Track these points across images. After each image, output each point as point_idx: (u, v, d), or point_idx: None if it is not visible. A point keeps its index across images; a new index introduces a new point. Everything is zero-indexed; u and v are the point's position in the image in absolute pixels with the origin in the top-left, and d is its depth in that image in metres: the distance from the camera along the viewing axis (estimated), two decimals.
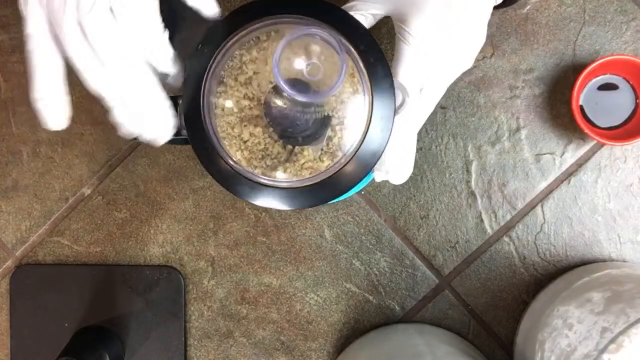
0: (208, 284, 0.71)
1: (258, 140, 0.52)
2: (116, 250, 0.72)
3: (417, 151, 0.69)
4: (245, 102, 0.52)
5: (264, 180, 0.50)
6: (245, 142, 0.52)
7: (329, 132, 0.52)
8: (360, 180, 0.51)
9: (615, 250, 0.68)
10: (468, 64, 0.53)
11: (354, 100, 0.52)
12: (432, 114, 0.69)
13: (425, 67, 0.50)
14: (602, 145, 0.68)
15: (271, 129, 0.52)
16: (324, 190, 0.51)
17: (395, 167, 0.53)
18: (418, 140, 0.69)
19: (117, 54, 0.43)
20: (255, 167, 0.52)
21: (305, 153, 0.52)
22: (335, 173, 0.51)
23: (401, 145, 0.53)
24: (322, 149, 0.52)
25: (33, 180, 0.72)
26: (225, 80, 0.53)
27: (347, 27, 0.52)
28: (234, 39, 0.51)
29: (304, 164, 0.52)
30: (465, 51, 0.52)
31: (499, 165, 0.69)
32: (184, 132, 0.51)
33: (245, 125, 0.52)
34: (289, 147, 0.53)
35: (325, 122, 0.51)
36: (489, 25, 0.69)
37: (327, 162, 0.52)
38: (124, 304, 0.71)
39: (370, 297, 0.70)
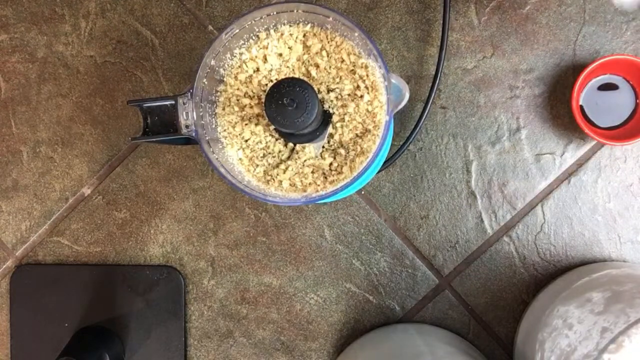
0: (208, 284, 0.71)
1: (259, 138, 0.52)
2: (116, 250, 0.72)
3: (417, 151, 0.69)
4: (246, 101, 0.52)
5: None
6: (246, 141, 0.52)
7: (330, 129, 0.52)
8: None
9: (615, 250, 0.68)
10: None
11: (355, 96, 0.52)
12: (432, 114, 0.69)
13: None
14: (602, 145, 0.68)
15: (272, 127, 0.52)
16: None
17: None
18: (418, 140, 0.69)
19: None
20: (257, 165, 0.52)
21: (307, 151, 0.52)
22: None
23: None
24: (323, 147, 0.52)
25: (33, 180, 0.72)
26: (225, 79, 0.53)
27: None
28: (232, 35, 0.51)
29: (305, 161, 0.52)
30: None
31: (499, 165, 0.69)
32: (185, 131, 0.50)
33: (246, 124, 0.52)
34: (290, 145, 0.53)
35: (326, 119, 0.51)
36: (489, 25, 0.69)
37: (328, 160, 0.52)
38: (124, 304, 0.71)
39: (370, 297, 0.70)
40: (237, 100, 0.52)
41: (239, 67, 0.52)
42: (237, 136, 0.52)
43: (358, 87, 0.51)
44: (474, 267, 0.69)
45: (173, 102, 0.51)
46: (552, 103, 0.68)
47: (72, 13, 0.71)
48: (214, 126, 0.52)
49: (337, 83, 0.51)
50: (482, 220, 0.69)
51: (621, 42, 0.67)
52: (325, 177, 0.52)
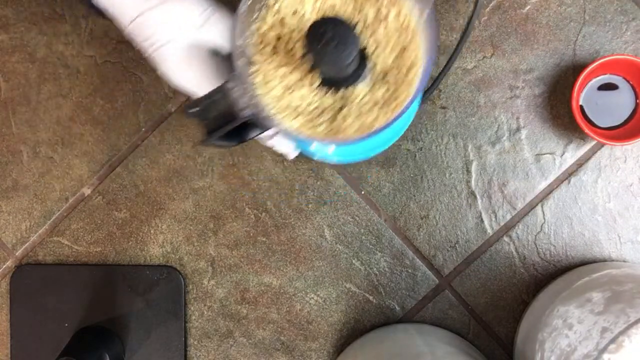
0: (208, 284, 0.71)
1: (308, 101, 0.51)
2: (116, 250, 0.72)
3: (417, 151, 0.69)
4: (282, 70, 0.51)
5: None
6: (296, 108, 0.52)
7: (370, 63, 0.51)
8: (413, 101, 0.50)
9: (615, 250, 0.68)
10: None
11: (380, 19, 0.51)
12: (432, 113, 0.69)
13: None
14: (602, 145, 0.68)
15: (316, 85, 0.51)
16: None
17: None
18: (418, 140, 0.69)
19: None
20: (318, 125, 0.51)
21: (358, 90, 0.51)
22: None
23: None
24: (371, 80, 0.51)
25: (33, 180, 0.72)
26: (253, 58, 0.52)
27: None
28: (246, 9, 0.50)
29: (361, 101, 0.51)
30: None
31: (499, 165, 0.69)
32: (245, 113, 0.50)
33: (291, 92, 0.51)
34: (340, 93, 0.52)
35: (362, 55, 0.50)
36: (489, 25, 0.69)
37: (382, 90, 0.51)
38: (124, 304, 0.71)
39: (370, 297, 0.70)
40: (272, 74, 0.51)
41: (261, 42, 0.52)
42: (286, 108, 0.51)
43: (379, 9, 0.50)
44: (474, 267, 0.69)
45: (222, 92, 0.50)
46: (552, 103, 0.68)
47: (72, 13, 0.71)
48: (262, 107, 0.52)
49: (359, 13, 0.51)
50: (482, 220, 0.69)
51: (621, 42, 0.67)
52: (387, 106, 0.51)
